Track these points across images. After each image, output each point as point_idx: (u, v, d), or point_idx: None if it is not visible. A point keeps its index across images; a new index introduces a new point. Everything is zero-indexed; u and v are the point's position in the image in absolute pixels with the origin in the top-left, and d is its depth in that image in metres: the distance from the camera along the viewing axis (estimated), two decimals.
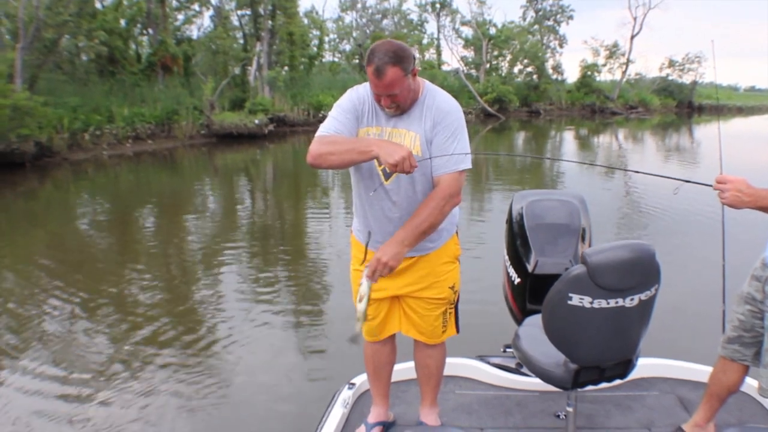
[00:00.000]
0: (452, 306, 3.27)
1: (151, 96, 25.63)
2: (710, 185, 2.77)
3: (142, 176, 18.85)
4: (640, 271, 2.64)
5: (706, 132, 40.91)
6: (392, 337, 3.37)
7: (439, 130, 2.90)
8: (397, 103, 2.83)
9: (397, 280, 3.10)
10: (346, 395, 3.71)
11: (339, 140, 2.81)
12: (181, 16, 34.07)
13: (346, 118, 2.90)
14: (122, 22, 28.13)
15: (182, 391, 5.28)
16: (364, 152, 2.68)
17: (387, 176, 2.90)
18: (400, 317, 3.28)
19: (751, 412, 3.64)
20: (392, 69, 2.71)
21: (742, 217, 3.08)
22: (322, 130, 2.85)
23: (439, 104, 2.94)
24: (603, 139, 34.70)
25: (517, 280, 4.04)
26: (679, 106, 57.06)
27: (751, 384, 3.35)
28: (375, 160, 2.79)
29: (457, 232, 3.23)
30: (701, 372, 4.03)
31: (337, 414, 3.52)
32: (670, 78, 58.19)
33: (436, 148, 2.89)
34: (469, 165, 2.90)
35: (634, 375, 3.66)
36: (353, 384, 3.81)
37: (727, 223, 3.56)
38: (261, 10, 33.25)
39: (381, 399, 3.50)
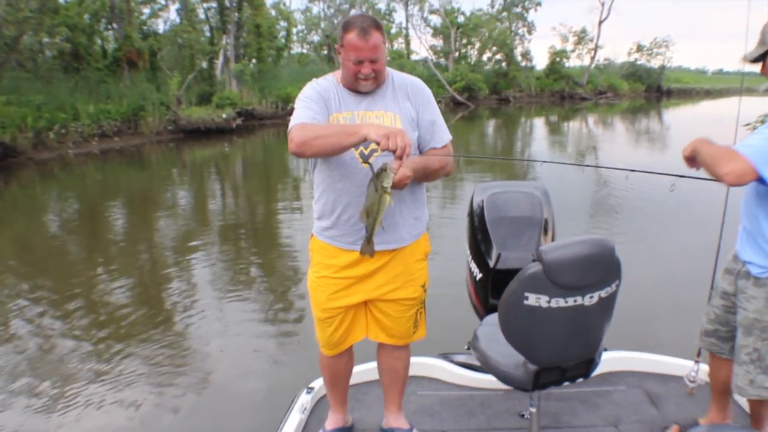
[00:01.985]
0: (422, 305, 3.22)
1: (117, 92, 25.22)
2: (707, 179, 2.74)
3: (109, 174, 18.59)
4: (600, 268, 2.56)
5: (675, 116, 41.41)
6: (349, 347, 3.27)
7: (421, 108, 2.96)
8: (376, 73, 2.80)
9: (369, 282, 3.02)
10: (304, 400, 3.62)
11: (323, 126, 2.73)
12: (147, 10, 33.62)
13: (317, 106, 2.83)
14: (86, 17, 27.65)
15: (147, 392, 5.24)
16: (353, 134, 2.55)
17: (365, 158, 2.81)
18: (367, 324, 3.18)
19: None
20: (376, 32, 2.72)
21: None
22: (298, 119, 2.75)
23: (410, 82, 3.01)
24: (573, 125, 34.85)
25: (479, 276, 3.94)
26: (648, 90, 57.65)
27: None
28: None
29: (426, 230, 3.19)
30: (669, 364, 4.02)
31: (294, 420, 3.44)
32: (638, 63, 58.74)
33: (425, 125, 2.96)
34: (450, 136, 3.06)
35: (600, 369, 3.62)
36: (311, 388, 3.73)
37: (709, 209, 3.54)
38: (227, 3, 33.01)
39: (339, 406, 3.42)
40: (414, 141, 2.92)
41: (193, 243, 10.20)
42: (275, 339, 6.37)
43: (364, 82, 2.82)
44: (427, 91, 3.04)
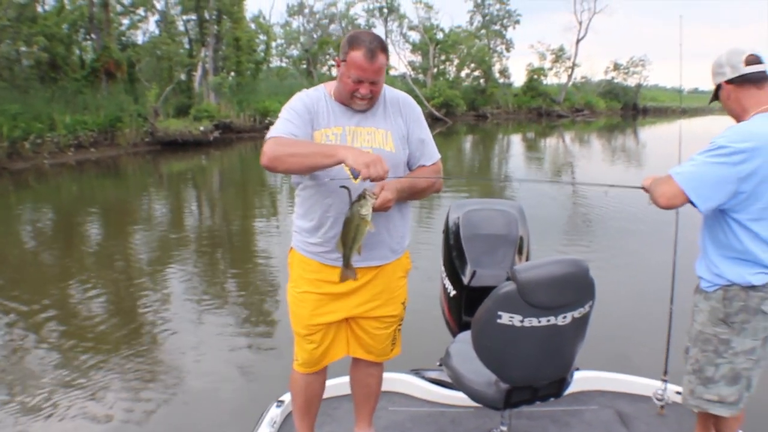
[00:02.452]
0: (401, 323, 3.21)
1: (94, 103, 25.04)
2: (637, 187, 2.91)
3: (85, 185, 18.45)
4: (573, 288, 2.58)
5: (651, 134, 41.79)
6: (326, 366, 3.23)
7: (411, 125, 2.95)
8: (373, 94, 2.77)
9: (351, 299, 2.98)
10: (273, 414, 3.58)
11: (300, 143, 2.67)
12: (126, 21, 33.49)
13: (300, 121, 2.76)
14: (64, 27, 27.46)
15: (117, 403, 5.20)
16: (330, 155, 2.52)
17: (356, 175, 2.67)
18: (348, 340, 3.15)
19: (689, 426, 3.65)
20: (381, 54, 2.69)
21: (694, 223, 3.11)
22: (276, 132, 2.69)
23: (402, 98, 2.99)
24: (550, 142, 35.08)
25: (453, 293, 3.94)
26: (624, 108, 58.18)
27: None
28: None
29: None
30: (639, 384, 4.03)
31: None
32: (615, 81, 59.31)
33: (415, 142, 2.94)
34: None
35: (571, 389, 3.64)
36: (281, 402, 3.69)
37: (681, 229, 3.63)
38: (207, 15, 32.85)
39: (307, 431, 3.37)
40: (404, 158, 2.92)
41: (169, 255, 10.15)
42: (247, 351, 6.34)
43: (360, 102, 2.78)
44: (417, 109, 3.04)
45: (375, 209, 2.60)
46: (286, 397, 3.65)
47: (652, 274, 8.01)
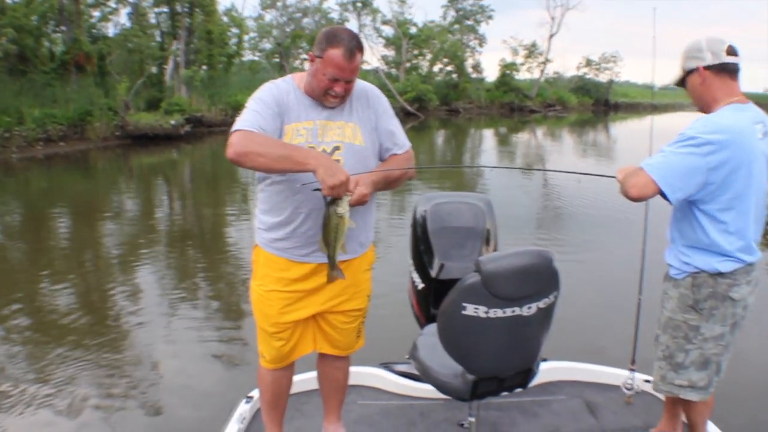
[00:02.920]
0: (365, 315, 3.22)
1: (64, 96, 24.65)
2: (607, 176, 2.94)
3: (54, 180, 18.21)
4: (538, 279, 2.59)
5: (622, 129, 42.19)
6: (294, 361, 3.22)
7: (380, 116, 2.94)
8: (347, 92, 2.76)
9: (319, 296, 2.98)
10: (243, 410, 3.59)
11: (271, 142, 2.61)
12: (96, 13, 33.07)
13: (269, 113, 2.71)
14: (33, 18, 27.07)
15: (85, 399, 5.16)
16: (301, 164, 2.51)
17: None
18: (314, 336, 3.15)
19: (657, 414, 3.70)
20: (359, 54, 2.68)
21: (662, 215, 3.15)
22: (244, 124, 2.62)
23: (369, 90, 2.98)
24: (522, 137, 35.24)
25: (421, 286, 3.96)
26: (596, 104, 58.56)
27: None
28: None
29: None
30: (606, 374, 4.09)
31: (233, 430, 3.40)
32: (587, 77, 59.70)
33: (385, 133, 2.94)
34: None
35: (540, 379, 3.67)
36: (250, 398, 3.69)
37: (647, 219, 3.68)
38: (179, 8, 32.57)
39: (276, 427, 3.35)
40: (374, 150, 2.92)
41: (139, 250, 10.08)
42: (216, 347, 6.31)
43: (332, 99, 2.76)
44: (385, 99, 3.04)
45: (352, 204, 2.61)
46: (255, 393, 3.64)
47: (621, 266, 8.10)
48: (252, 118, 2.66)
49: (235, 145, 2.54)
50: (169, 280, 8.49)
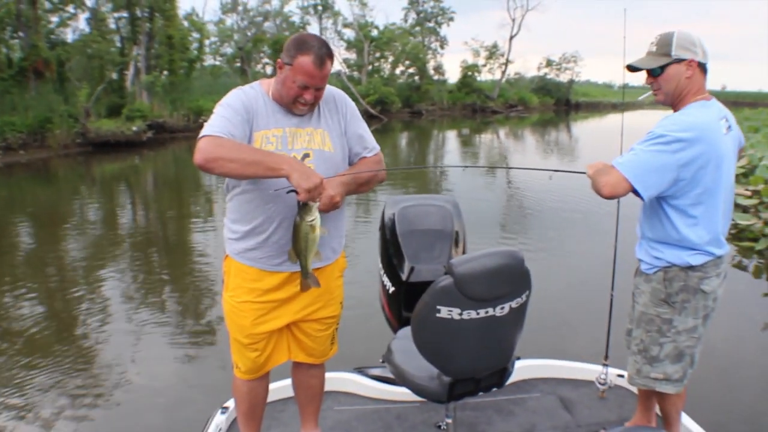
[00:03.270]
0: (338, 322, 3.22)
1: (23, 103, 24.24)
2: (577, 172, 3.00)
3: (14, 190, 17.91)
4: (510, 279, 2.61)
5: (583, 128, 42.65)
6: (269, 371, 3.20)
7: (348, 121, 2.94)
8: (316, 100, 2.73)
9: (293, 305, 2.96)
10: (219, 420, 3.56)
11: (242, 148, 2.55)
12: (55, 19, 32.61)
13: (238, 119, 2.65)
14: None
15: (53, 412, 5.09)
16: (274, 169, 2.46)
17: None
18: (289, 345, 3.13)
19: (631, 407, 3.76)
20: (329, 62, 2.65)
21: (632, 211, 3.21)
22: (213, 130, 2.55)
23: (336, 95, 2.96)
24: (485, 138, 35.45)
25: (392, 289, 3.97)
26: (557, 103, 59.24)
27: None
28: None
29: None
30: (580, 370, 4.15)
31: None
32: (548, 77, 60.31)
33: (353, 136, 2.94)
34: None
35: (514, 377, 3.71)
36: (226, 408, 3.66)
37: (618, 217, 3.75)
38: (139, 13, 32.21)
39: None
40: (343, 156, 2.92)
41: (103, 260, 9.95)
42: (188, 358, 6.26)
43: (302, 107, 2.73)
44: (352, 103, 3.03)
45: (323, 210, 2.61)
46: (231, 403, 3.62)
47: (592, 264, 8.21)
48: (220, 123, 2.60)
49: (203, 150, 2.48)
50: (133, 291, 8.37)
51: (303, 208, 2.55)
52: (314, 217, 2.56)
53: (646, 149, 2.72)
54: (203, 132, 2.56)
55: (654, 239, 2.96)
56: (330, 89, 2.93)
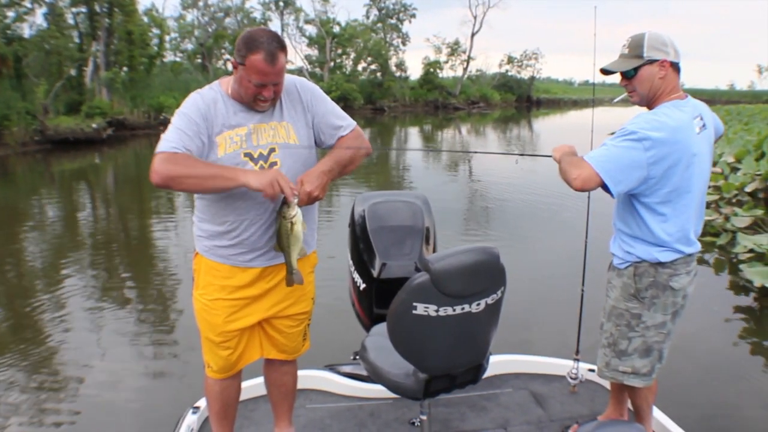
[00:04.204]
0: (310, 318, 3.20)
1: None
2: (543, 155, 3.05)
3: None
4: (485, 275, 2.61)
5: (544, 124, 43.08)
6: (241, 369, 3.17)
7: (314, 106, 2.88)
8: (276, 94, 2.68)
9: (265, 301, 2.94)
10: (190, 420, 3.52)
11: (197, 163, 2.54)
12: (11, 14, 32.00)
13: (194, 130, 2.60)
14: None
15: (20, 418, 4.97)
16: (231, 180, 2.47)
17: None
18: (261, 342, 3.11)
19: (602, 401, 3.79)
20: (282, 55, 2.59)
21: (607, 209, 3.23)
22: (168, 145, 2.52)
23: (298, 83, 2.91)
24: (447, 134, 35.62)
25: (363, 286, 3.94)
26: (519, 100, 59.88)
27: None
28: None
29: None
30: (551, 365, 4.19)
31: None
32: (509, 74, 60.87)
33: (322, 118, 2.89)
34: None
35: (486, 373, 3.72)
36: (197, 408, 3.62)
37: (589, 212, 3.78)
38: (98, 8, 31.76)
39: None
40: (311, 144, 2.89)
41: (64, 260, 9.76)
42: (155, 357, 6.18)
43: (263, 104, 2.69)
44: (314, 87, 2.96)
45: (303, 204, 2.60)
46: (202, 403, 3.59)
47: (563, 260, 8.27)
48: (176, 137, 2.57)
49: (160, 171, 2.47)
50: (95, 291, 8.22)
51: (282, 205, 2.55)
52: (294, 213, 2.56)
53: (618, 145, 2.74)
54: (159, 147, 2.54)
55: (627, 234, 3.00)
56: (290, 78, 2.88)
